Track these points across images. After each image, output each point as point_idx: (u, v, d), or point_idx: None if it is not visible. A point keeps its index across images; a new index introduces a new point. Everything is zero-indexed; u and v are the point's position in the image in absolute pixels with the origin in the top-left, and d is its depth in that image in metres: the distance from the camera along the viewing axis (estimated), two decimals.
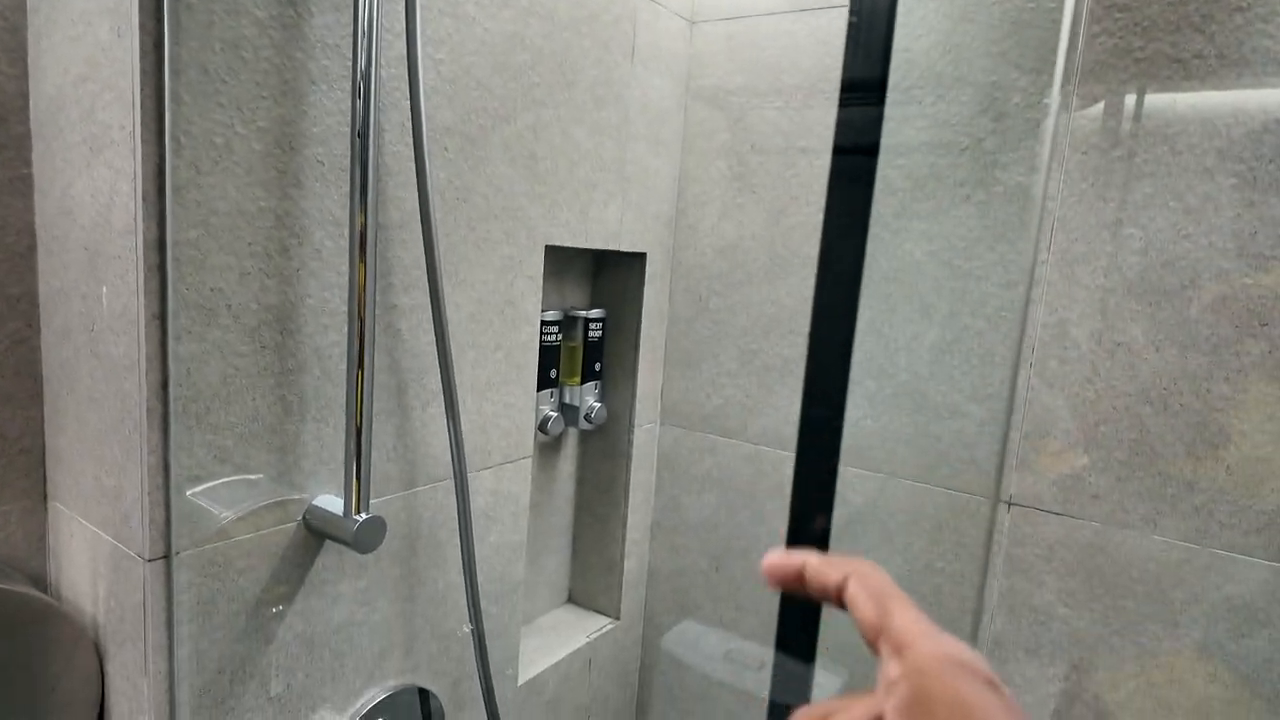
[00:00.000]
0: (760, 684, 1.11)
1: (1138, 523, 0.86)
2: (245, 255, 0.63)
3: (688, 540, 1.23)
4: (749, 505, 1.16)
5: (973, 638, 0.95)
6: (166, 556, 0.60)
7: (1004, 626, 0.95)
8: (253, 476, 0.66)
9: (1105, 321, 0.86)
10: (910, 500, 1.00)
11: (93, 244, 0.62)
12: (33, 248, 0.68)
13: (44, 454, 0.70)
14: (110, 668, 0.66)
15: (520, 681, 1.04)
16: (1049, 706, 0.92)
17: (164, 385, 0.59)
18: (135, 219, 0.57)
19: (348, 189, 0.68)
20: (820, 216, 1.06)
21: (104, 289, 0.61)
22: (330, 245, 0.69)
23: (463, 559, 0.83)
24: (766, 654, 1.15)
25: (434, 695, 0.88)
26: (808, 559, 0.32)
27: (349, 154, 0.68)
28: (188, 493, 0.62)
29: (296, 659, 0.72)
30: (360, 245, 0.67)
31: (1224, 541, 0.82)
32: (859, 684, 0.95)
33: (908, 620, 0.28)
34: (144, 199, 0.57)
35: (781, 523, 1.13)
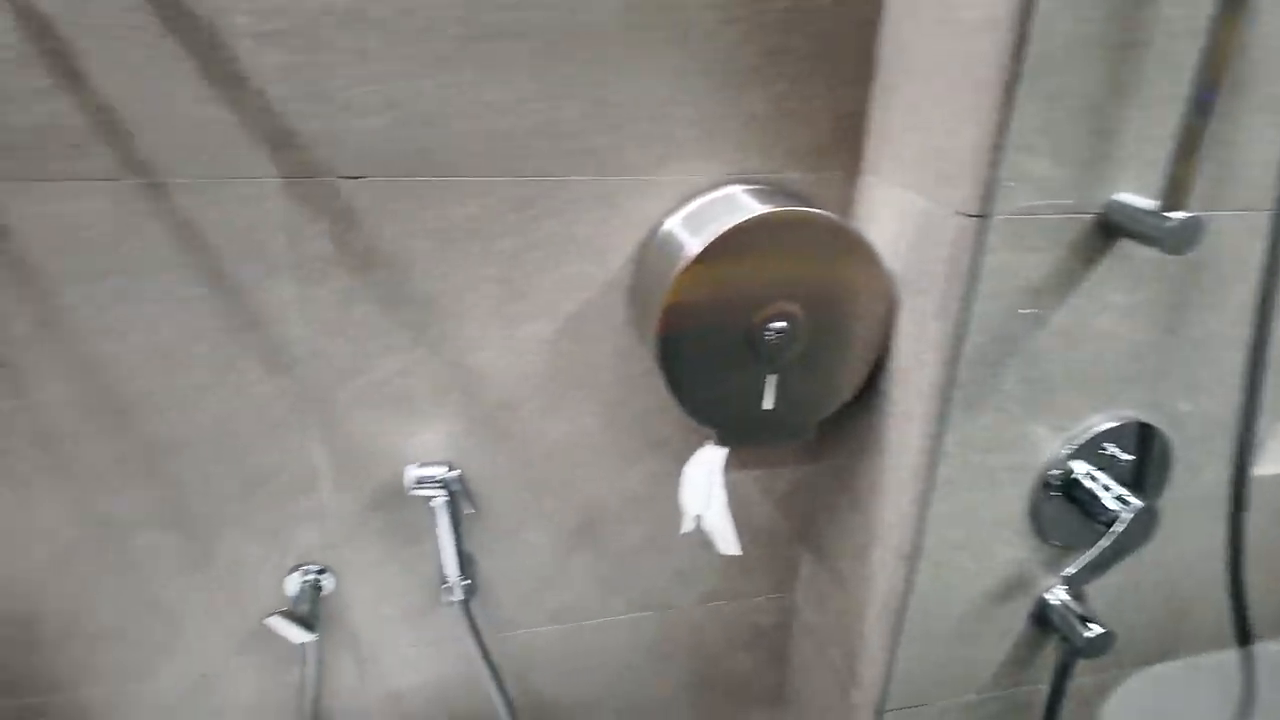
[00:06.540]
0: None
1: None
2: None
3: None
4: None
5: None
6: (983, 215, 0.66)
7: None
8: (1060, 157, 0.65)
9: None
10: None
11: None
12: None
13: (865, 131, 0.82)
14: (901, 314, 0.78)
15: None
16: None
17: (1020, 44, 0.60)
18: None
19: None
20: None
21: None
22: None
23: (1257, 309, 0.71)
24: None
25: (1166, 435, 0.81)
26: None
27: None
28: (1008, 159, 0.64)
29: (1044, 353, 0.73)
30: None
31: None
32: None
33: None
34: None
35: None
